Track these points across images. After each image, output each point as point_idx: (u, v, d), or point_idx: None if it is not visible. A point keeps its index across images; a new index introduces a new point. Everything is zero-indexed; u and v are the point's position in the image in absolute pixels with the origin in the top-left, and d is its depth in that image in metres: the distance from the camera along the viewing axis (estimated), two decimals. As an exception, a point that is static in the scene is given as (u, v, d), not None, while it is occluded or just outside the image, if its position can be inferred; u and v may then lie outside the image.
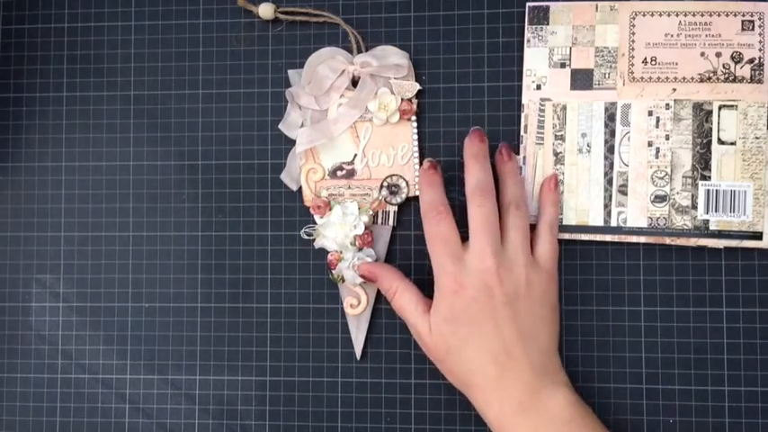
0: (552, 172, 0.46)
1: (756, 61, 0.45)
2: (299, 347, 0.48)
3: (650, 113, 0.46)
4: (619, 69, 0.46)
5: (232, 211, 0.49)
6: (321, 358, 0.48)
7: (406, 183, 0.47)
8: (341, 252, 0.46)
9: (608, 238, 0.46)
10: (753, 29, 0.45)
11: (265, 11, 0.48)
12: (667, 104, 0.46)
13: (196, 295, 0.49)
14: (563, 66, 0.46)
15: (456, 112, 0.48)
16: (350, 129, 0.47)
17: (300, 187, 0.48)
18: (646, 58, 0.46)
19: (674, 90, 0.46)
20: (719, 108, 0.45)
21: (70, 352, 0.49)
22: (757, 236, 0.45)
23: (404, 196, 0.46)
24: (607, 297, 0.46)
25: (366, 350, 0.47)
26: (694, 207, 0.45)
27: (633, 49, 0.46)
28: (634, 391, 0.46)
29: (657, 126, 0.46)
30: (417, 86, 0.47)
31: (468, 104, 0.48)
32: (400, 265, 0.47)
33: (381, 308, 0.47)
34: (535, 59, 0.47)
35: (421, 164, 0.46)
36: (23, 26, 0.50)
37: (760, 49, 0.45)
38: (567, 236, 0.46)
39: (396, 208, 0.47)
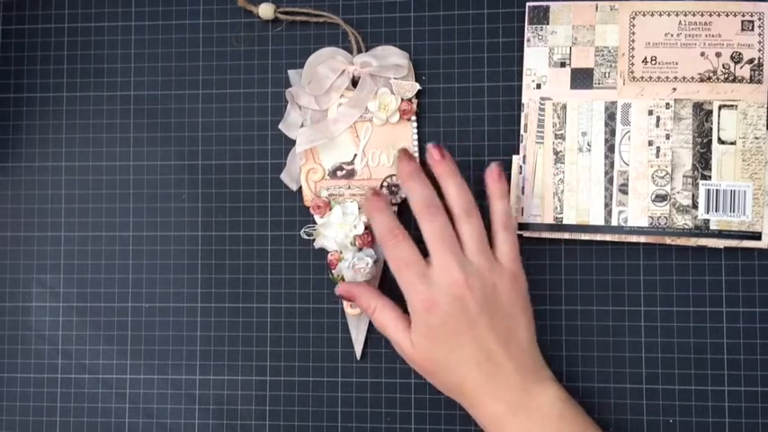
0: (494, 165, 0.44)
1: (756, 61, 0.45)
2: (299, 347, 0.48)
3: (650, 113, 0.46)
4: (619, 69, 0.46)
5: (232, 211, 0.49)
6: (321, 358, 0.48)
7: (406, 182, 0.47)
8: (341, 252, 0.46)
9: (608, 237, 0.46)
10: (752, 29, 0.45)
11: (265, 11, 0.48)
12: (667, 104, 0.46)
13: (196, 295, 0.49)
14: (563, 65, 0.46)
15: (456, 112, 0.48)
16: (350, 129, 0.47)
17: (300, 187, 0.48)
18: (646, 58, 0.46)
19: (674, 90, 0.46)
20: (719, 108, 0.45)
21: (70, 352, 0.49)
22: (756, 236, 0.45)
23: (404, 196, 0.46)
24: (607, 297, 0.46)
25: (366, 350, 0.47)
26: (695, 206, 0.45)
27: (633, 48, 0.46)
28: (634, 391, 0.46)
29: (658, 125, 0.46)
30: (417, 86, 0.47)
31: (468, 104, 0.48)
32: (400, 265, 0.47)
33: (381, 308, 0.47)
34: (535, 59, 0.47)
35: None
36: (23, 26, 0.50)
37: (759, 50, 0.45)
38: (566, 235, 0.46)
39: (395, 208, 0.47)
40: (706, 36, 0.46)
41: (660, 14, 0.46)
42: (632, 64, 0.46)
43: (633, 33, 0.46)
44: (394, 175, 0.47)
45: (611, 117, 0.46)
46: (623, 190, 0.46)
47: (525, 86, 0.47)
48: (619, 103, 0.46)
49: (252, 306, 0.48)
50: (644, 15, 0.46)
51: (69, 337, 0.49)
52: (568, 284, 0.46)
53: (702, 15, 0.46)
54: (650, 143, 0.46)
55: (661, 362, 0.46)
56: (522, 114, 0.47)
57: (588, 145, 0.46)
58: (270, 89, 0.49)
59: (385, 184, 0.47)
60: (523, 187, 0.46)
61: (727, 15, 0.45)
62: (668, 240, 0.45)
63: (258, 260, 0.48)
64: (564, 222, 0.46)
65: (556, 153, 0.46)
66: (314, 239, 0.47)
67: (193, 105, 0.49)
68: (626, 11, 0.46)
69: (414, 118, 0.47)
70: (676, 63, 0.46)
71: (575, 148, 0.46)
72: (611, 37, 0.46)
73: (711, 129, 0.45)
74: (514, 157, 0.47)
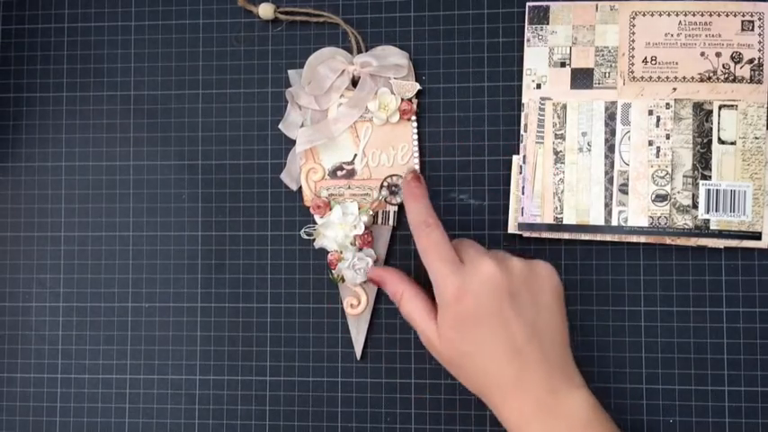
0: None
1: (756, 61, 0.45)
2: (299, 347, 0.48)
3: (650, 113, 0.46)
4: (619, 69, 0.46)
5: (232, 211, 0.49)
6: (321, 358, 0.48)
7: (407, 182, 0.47)
8: (341, 252, 0.46)
9: (608, 237, 0.46)
10: (753, 29, 0.45)
11: (265, 11, 0.48)
12: (667, 104, 0.46)
13: (196, 295, 0.49)
14: (563, 65, 0.46)
15: (456, 112, 0.48)
16: (350, 129, 0.47)
17: (300, 187, 0.48)
18: (646, 58, 0.46)
19: (675, 90, 0.46)
20: (719, 108, 0.45)
21: (70, 352, 0.49)
22: (756, 236, 0.45)
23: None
24: (607, 297, 0.46)
25: (366, 350, 0.47)
26: (695, 206, 0.45)
27: (633, 48, 0.46)
28: (634, 391, 0.46)
29: (658, 125, 0.46)
30: (417, 86, 0.47)
31: (468, 104, 0.48)
32: (400, 265, 0.47)
33: (381, 308, 0.47)
34: (535, 59, 0.47)
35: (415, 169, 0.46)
36: (23, 26, 0.50)
37: (759, 50, 0.45)
38: (566, 236, 0.46)
39: (396, 208, 0.47)
40: (706, 36, 0.46)
41: (660, 14, 0.46)
42: (632, 64, 0.46)
43: (633, 33, 0.46)
44: (394, 175, 0.47)
45: (611, 117, 0.46)
46: (623, 190, 0.46)
47: (525, 86, 0.47)
48: (619, 103, 0.46)
49: (252, 306, 0.48)
50: (644, 15, 0.46)
51: (69, 337, 0.49)
52: (569, 284, 0.46)
53: (702, 15, 0.46)
54: (650, 143, 0.46)
55: (661, 362, 0.46)
56: (522, 114, 0.47)
57: (588, 145, 0.46)
58: (270, 89, 0.49)
59: (385, 184, 0.47)
60: (523, 187, 0.46)
61: (727, 15, 0.45)
62: (668, 240, 0.45)
63: (258, 260, 0.48)
64: (564, 222, 0.46)
65: (556, 153, 0.46)
66: (314, 239, 0.47)
67: (193, 105, 0.49)
68: (626, 11, 0.46)
69: (414, 118, 0.47)
70: (676, 63, 0.46)
71: (575, 148, 0.46)
72: (611, 37, 0.46)
73: (711, 129, 0.45)
74: (514, 157, 0.47)
